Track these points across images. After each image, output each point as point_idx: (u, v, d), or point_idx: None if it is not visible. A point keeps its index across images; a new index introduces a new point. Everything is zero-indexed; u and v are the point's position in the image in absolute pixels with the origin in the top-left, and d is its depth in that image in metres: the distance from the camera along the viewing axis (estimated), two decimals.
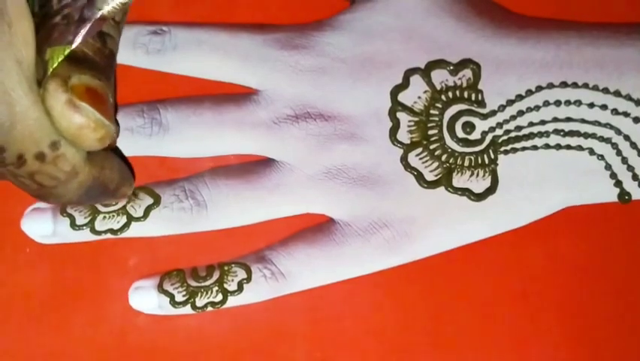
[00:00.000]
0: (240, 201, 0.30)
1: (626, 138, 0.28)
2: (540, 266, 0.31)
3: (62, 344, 0.30)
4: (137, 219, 0.29)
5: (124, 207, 0.29)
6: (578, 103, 0.28)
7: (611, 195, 0.29)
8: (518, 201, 0.29)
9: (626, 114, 0.28)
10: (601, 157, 0.28)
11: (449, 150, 0.29)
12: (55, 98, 0.22)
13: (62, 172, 0.23)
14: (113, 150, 0.27)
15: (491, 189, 0.29)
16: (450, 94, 0.29)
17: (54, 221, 0.29)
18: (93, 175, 0.25)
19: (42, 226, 0.30)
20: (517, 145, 0.29)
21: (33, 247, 0.30)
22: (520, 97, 0.28)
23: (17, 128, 0.21)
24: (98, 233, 0.29)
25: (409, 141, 0.29)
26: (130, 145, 0.30)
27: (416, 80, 0.29)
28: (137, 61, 0.30)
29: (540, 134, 0.28)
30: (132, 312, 0.30)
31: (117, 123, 0.25)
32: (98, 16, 0.22)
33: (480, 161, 0.29)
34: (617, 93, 0.28)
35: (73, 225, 0.29)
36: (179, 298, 0.29)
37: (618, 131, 0.28)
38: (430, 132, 0.29)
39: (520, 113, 0.28)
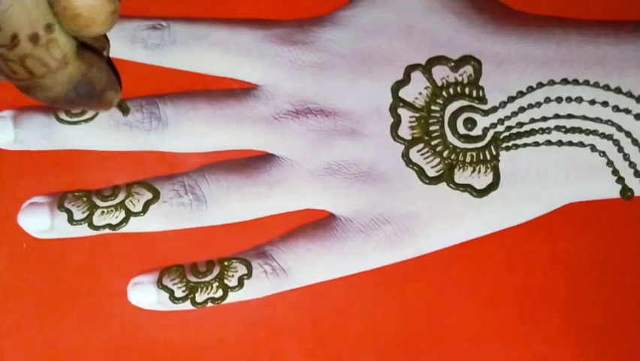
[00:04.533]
0: (240, 197, 0.29)
1: (628, 134, 0.28)
2: (542, 263, 0.31)
3: (60, 341, 0.30)
4: (136, 214, 0.29)
5: (123, 202, 0.29)
6: (579, 100, 0.28)
7: (613, 191, 0.29)
8: (520, 197, 0.29)
9: (627, 111, 0.28)
10: (603, 154, 0.28)
11: (451, 146, 0.29)
12: None
13: (53, 59, 0.23)
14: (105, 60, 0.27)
15: (493, 186, 0.29)
16: (451, 90, 0.29)
17: (51, 216, 0.29)
18: (82, 70, 0.24)
19: (39, 221, 0.29)
20: (519, 141, 0.29)
21: (30, 242, 0.30)
22: (521, 93, 0.28)
23: (14, 6, 0.21)
24: (97, 228, 0.29)
25: (410, 137, 0.29)
26: (129, 140, 0.29)
27: (417, 76, 0.29)
28: (135, 56, 0.30)
29: (542, 131, 0.28)
30: (131, 308, 0.30)
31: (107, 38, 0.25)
32: None
33: (482, 157, 0.29)
34: (618, 90, 0.28)
35: (71, 220, 0.29)
36: (178, 293, 0.29)
37: (619, 128, 0.28)
38: (432, 128, 0.29)
39: (522, 109, 0.28)
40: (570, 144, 0.28)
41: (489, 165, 0.29)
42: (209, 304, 0.29)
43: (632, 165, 0.28)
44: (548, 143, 0.28)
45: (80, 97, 0.25)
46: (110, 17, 0.23)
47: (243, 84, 0.30)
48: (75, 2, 0.22)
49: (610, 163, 0.28)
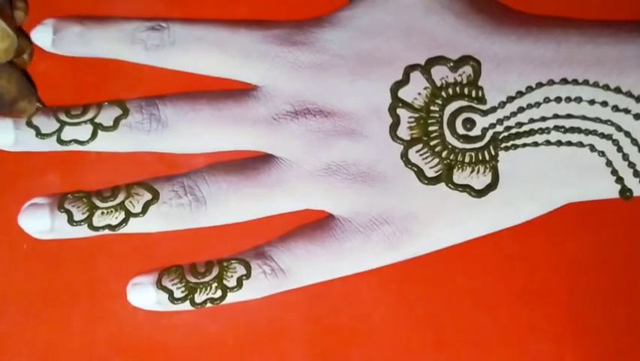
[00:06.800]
0: (239, 198, 0.29)
1: (627, 134, 0.28)
2: (541, 263, 0.31)
3: (60, 341, 0.30)
4: (136, 215, 0.29)
5: (122, 202, 0.29)
6: (579, 100, 0.28)
7: (612, 191, 0.29)
8: (519, 197, 0.29)
9: (626, 111, 0.28)
10: (602, 154, 0.28)
11: (449, 147, 0.29)
12: None
13: None
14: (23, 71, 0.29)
15: (492, 186, 0.29)
16: (450, 90, 0.29)
17: (52, 217, 0.29)
18: None
19: (39, 222, 0.29)
20: (518, 142, 0.29)
21: (30, 243, 0.30)
22: (520, 93, 0.28)
23: None
24: (96, 229, 0.29)
25: (409, 138, 0.29)
26: (128, 141, 0.30)
27: (416, 77, 0.29)
28: (135, 57, 0.30)
29: (541, 131, 0.28)
30: (131, 308, 0.30)
31: (29, 41, 0.27)
32: None
33: (480, 157, 0.29)
34: (618, 90, 0.28)
35: (71, 220, 0.29)
36: (177, 294, 0.29)
37: (619, 128, 0.28)
38: (431, 129, 0.29)
39: (521, 109, 0.28)
40: (569, 144, 0.28)
41: (488, 166, 0.29)
42: (209, 305, 0.29)
43: (631, 165, 0.28)
44: (547, 143, 0.28)
45: None
46: (4, 53, 0.25)
47: (243, 85, 0.30)
48: None
49: (609, 163, 0.28)
